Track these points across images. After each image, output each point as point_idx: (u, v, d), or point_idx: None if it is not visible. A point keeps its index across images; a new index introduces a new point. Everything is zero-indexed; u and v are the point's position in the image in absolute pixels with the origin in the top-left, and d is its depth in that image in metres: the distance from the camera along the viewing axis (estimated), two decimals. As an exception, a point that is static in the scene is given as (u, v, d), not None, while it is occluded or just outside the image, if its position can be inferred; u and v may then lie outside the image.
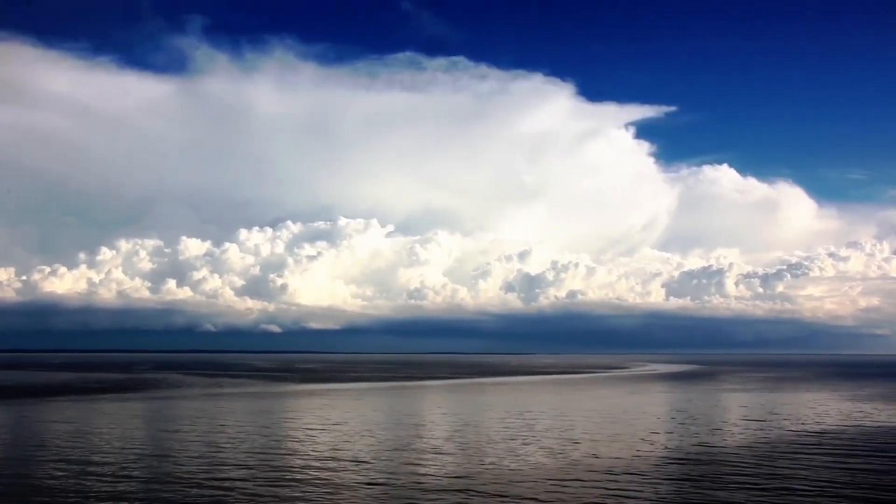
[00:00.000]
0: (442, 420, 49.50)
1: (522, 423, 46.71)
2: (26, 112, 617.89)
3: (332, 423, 46.44)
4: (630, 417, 50.93)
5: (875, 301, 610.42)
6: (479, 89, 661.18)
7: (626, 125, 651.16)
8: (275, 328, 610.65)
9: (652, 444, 36.97)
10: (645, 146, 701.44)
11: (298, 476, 28.27)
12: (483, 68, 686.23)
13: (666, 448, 35.83)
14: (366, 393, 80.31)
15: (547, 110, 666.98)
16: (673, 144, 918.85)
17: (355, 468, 30.12)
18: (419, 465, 30.97)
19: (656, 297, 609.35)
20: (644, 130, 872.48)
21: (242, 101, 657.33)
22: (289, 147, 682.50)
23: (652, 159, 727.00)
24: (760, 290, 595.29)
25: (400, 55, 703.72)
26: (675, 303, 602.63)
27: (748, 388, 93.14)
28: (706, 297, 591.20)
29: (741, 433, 41.89)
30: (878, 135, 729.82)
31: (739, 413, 54.85)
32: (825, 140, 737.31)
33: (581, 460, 32.02)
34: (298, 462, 31.60)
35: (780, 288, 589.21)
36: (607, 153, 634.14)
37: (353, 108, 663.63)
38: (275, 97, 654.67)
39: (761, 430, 43.49)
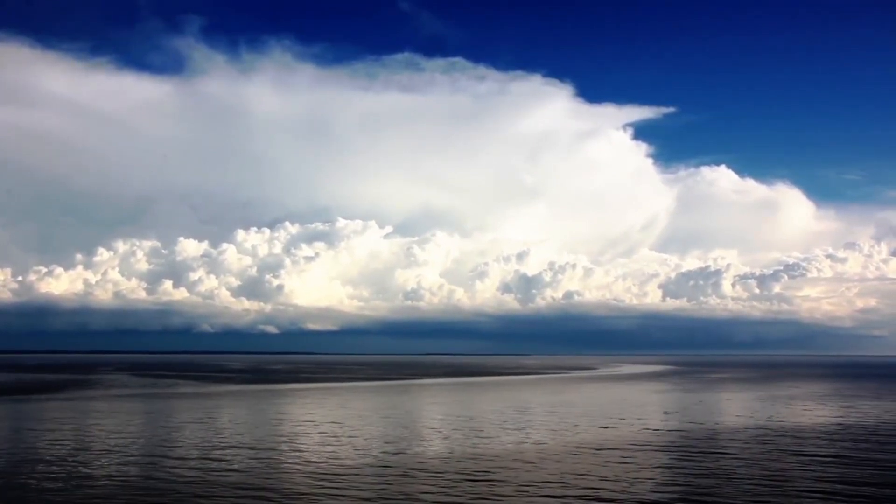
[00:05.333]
0: (307, 421, 49.00)
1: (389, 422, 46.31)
2: (24, 112, 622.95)
3: (198, 421, 46.17)
4: (496, 416, 50.49)
5: (872, 302, 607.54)
6: (478, 90, 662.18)
7: (625, 126, 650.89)
8: (272, 329, 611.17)
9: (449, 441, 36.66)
10: (643, 147, 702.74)
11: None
12: (482, 69, 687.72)
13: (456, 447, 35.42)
14: (290, 393, 79.94)
15: (545, 111, 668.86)
16: (671, 145, 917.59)
17: (168, 466, 29.82)
18: (217, 462, 30.62)
19: (653, 298, 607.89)
20: (642, 131, 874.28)
21: (240, 102, 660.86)
22: (287, 148, 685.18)
23: (650, 160, 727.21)
24: (757, 290, 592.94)
25: (398, 56, 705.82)
26: (671, 304, 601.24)
27: (687, 388, 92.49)
28: (703, 298, 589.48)
29: (582, 431, 41.44)
30: (875, 135, 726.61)
31: (626, 410, 54.30)
32: (823, 141, 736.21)
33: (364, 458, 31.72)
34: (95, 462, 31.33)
35: (777, 289, 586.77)
36: (606, 154, 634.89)
37: (351, 108, 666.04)
38: (273, 98, 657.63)
39: (627, 426, 43.07)
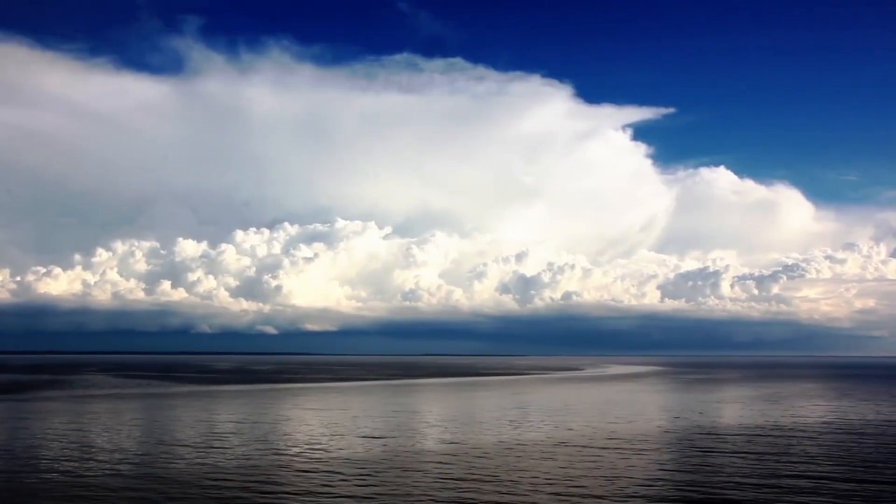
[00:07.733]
0: (245, 420, 48.94)
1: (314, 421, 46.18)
2: (23, 112, 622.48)
3: (133, 422, 46.16)
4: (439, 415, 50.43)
5: (871, 303, 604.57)
6: (477, 90, 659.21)
7: (624, 126, 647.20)
8: (271, 329, 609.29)
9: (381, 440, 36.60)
10: (642, 148, 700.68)
11: None
12: (481, 69, 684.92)
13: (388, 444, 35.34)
14: (257, 394, 79.91)
15: (545, 112, 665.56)
16: (670, 146, 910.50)
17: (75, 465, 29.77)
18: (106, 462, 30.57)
19: (652, 299, 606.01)
20: (641, 132, 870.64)
21: (239, 102, 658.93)
22: (286, 148, 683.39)
23: (649, 161, 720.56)
24: (756, 291, 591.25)
25: (397, 56, 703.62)
26: (670, 304, 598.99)
27: (658, 388, 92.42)
28: (701, 299, 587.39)
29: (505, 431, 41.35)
30: (874, 136, 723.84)
31: (572, 410, 54.23)
32: (822, 142, 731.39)
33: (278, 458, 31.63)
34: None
35: (775, 289, 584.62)
36: (605, 154, 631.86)
37: (350, 109, 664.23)
38: (272, 98, 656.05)
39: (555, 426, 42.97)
